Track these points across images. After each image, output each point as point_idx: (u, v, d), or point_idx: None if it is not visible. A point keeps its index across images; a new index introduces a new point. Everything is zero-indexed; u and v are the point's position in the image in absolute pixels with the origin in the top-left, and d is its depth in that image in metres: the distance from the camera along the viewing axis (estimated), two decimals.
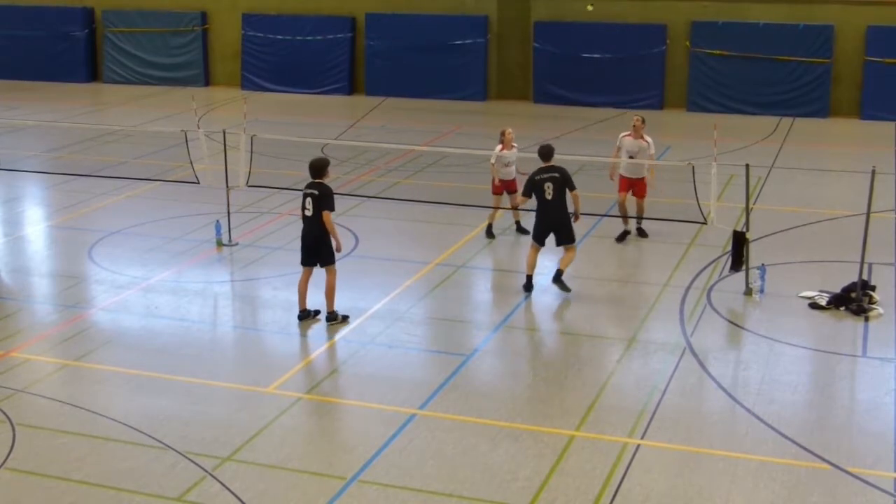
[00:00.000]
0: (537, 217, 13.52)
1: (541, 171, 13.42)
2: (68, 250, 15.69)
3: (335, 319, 12.42)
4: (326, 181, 12.36)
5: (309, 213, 12.23)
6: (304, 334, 12.29)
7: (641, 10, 27.35)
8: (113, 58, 31.53)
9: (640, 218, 15.85)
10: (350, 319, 12.51)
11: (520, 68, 28.54)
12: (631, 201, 15.70)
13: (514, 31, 28.43)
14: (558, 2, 27.87)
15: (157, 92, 30.04)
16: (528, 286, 13.52)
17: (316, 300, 12.59)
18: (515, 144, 15.75)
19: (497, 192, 15.77)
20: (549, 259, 14.05)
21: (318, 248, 12.33)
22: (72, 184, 18.90)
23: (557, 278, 13.45)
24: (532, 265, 13.54)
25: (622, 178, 15.59)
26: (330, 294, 12.42)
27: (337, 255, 12.45)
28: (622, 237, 15.73)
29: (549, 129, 24.20)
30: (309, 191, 12.27)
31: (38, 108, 27.12)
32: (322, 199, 12.14)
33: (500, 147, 15.54)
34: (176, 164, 19.51)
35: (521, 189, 15.26)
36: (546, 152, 13.54)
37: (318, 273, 12.49)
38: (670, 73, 27.37)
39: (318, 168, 12.36)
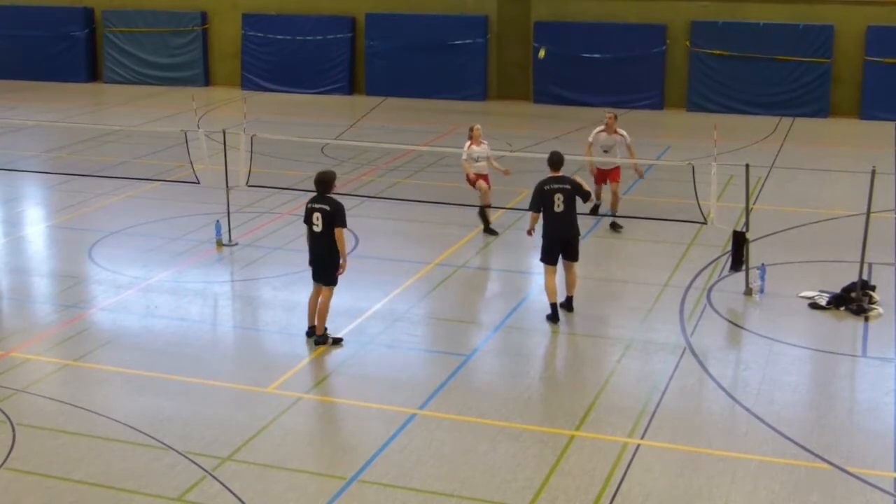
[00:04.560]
0: (545, 232, 12.53)
1: (550, 180, 12.52)
2: (68, 250, 15.69)
3: (324, 343, 11.80)
4: (334, 195, 11.70)
5: (318, 228, 11.52)
6: (303, 334, 12.27)
7: (641, 10, 27.35)
8: (113, 58, 31.52)
9: (614, 214, 16.16)
10: (343, 342, 11.88)
11: (520, 68, 28.54)
12: (606, 194, 16.55)
13: (514, 31, 28.42)
14: (558, 2, 27.87)
15: (157, 92, 30.03)
16: (555, 317, 12.44)
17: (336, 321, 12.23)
18: (485, 141, 16.09)
19: (472, 183, 16.04)
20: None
21: (323, 266, 11.74)
22: (72, 184, 18.89)
23: (568, 305, 12.70)
24: (553, 292, 12.44)
25: (598, 169, 16.41)
26: (322, 315, 11.76)
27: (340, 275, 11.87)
28: (594, 210, 16.54)
29: (548, 129, 24.23)
30: (318, 206, 11.54)
31: (38, 108, 27.12)
32: (334, 214, 11.47)
33: (468, 144, 15.83)
34: (176, 164, 19.51)
35: (492, 182, 15.99)
36: (556, 160, 12.58)
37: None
38: (670, 73, 27.36)
39: (326, 182, 11.59)
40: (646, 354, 11.72)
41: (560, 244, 12.51)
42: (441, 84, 28.41)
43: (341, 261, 11.65)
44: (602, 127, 16.29)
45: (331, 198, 11.62)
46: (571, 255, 12.61)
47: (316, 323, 11.88)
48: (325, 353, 11.72)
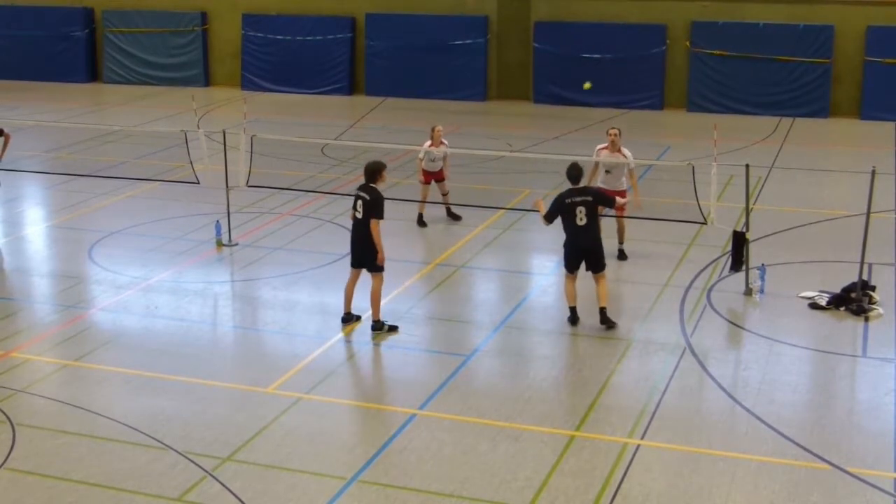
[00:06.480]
0: (567, 243, 12.35)
1: (571, 193, 12.23)
2: (68, 250, 15.69)
3: (380, 329, 12.10)
4: (380, 186, 12.03)
5: (359, 215, 11.97)
6: (304, 334, 12.28)
7: (641, 10, 27.36)
8: (113, 58, 31.53)
9: (620, 240, 14.83)
10: (399, 329, 12.19)
11: (520, 68, 28.54)
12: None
13: (514, 31, 28.43)
14: (558, 2, 27.89)
15: (157, 92, 30.04)
16: (574, 319, 12.41)
17: (360, 305, 12.42)
18: (445, 141, 16.45)
19: (426, 181, 16.45)
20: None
21: (364, 252, 12.05)
22: (72, 184, 18.90)
23: (603, 318, 12.30)
24: (572, 296, 12.44)
25: None
26: (375, 302, 12.09)
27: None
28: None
29: (548, 129, 24.22)
30: (360, 194, 12.00)
31: (38, 108, 27.11)
32: (372, 204, 11.86)
33: (428, 143, 16.17)
34: (176, 164, 19.51)
35: (448, 178, 16.57)
36: (576, 174, 12.26)
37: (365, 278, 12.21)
38: (670, 73, 27.37)
39: (372, 171, 12.00)
40: (646, 354, 11.72)
41: (583, 255, 12.38)
42: (441, 84, 28.41)
43: (378, 252, 11.96)
44: (604, 144, 14.53)
45: (373, 188, 12.00)
46: (597, 266, 12.41)
47: (371, 311, 12.19)
48: (325, 353, 11.72)
